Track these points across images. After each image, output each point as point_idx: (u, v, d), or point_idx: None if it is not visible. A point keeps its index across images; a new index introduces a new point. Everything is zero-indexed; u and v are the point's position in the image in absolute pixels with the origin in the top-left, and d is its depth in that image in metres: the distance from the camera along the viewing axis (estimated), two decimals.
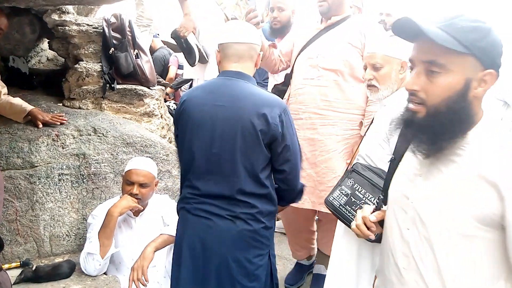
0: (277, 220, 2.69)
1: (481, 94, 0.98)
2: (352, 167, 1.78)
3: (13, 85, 2.59)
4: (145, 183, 2.08)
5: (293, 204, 1.85)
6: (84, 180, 2.38)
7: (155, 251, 1.96)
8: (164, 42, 4.67)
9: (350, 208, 1.68)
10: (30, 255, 2.25)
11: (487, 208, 0.93)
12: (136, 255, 1.99)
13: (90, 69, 2.67)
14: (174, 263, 1.63)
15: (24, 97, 2.49)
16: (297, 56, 2.38)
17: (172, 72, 4.50)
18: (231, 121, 1.51)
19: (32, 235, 2.26)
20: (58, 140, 2.35)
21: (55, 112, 2.51)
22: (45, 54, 3.38)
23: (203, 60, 3.07)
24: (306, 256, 2.68)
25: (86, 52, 2.71)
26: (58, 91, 2.76)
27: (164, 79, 3.57)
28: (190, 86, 4.06)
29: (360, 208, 1.53)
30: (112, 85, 2.66)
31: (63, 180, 2.33)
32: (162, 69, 4.47)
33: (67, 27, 2.63)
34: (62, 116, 2.43)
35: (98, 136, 2.45)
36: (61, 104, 2.69)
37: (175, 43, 3.05)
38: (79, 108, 2.67)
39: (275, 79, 3.03)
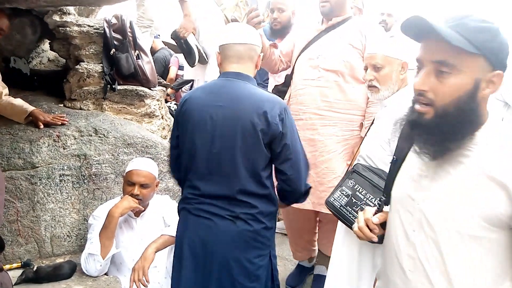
0: (278, 220, 2.69)
1: (488, 95, 0.98)
2: (352, 168, 1.77)
3: (14, 86, 2.59)
4: (146, 183, 2.08)
5: (293, 205, 1.85)
6: (85, 181, 2.38)
7: (156, 252, 1.97)
8: (165, 43, 4.67)
9: (351, 209, 1.68)
10: (31, 255, 2.26)
11: (496, 209, 0.93)
12: (137, 256, 1.99)
13: (91, 70, 2.67)
14: (175, 264, 1.63)
15: (25, 98, 2.49)
16: (298, 57, 2.38)
17: (172, 73, 4.50)
18: (231, 121, 1.51)
19: (33, 236, 2.26)
20: (59, 140, 2.35)
21: (56, 113, 2.51)
22: (46, 55, 3.39)
23: (203, 61, 3.07)
24: (306, 257, 2.67)
25: (87, 53, 2.71)
26: (59, 92, 2.77)
27: (165, 80, 3.58)
28: (191, 87, 4.06)
29: (361, 209, 1.53)
30: (113, 86, 2.67)
31: (64, 180, 2.33)
32: (163, 70, 4.48)
33: (68, 28, 2.63)
34: (63, 116, 2.44)
35: (99, 136, 2.45)
36: (62, 105, 2.70)
37: (176, 44, 3.06)
38: (80, 109, 2.67)
39: (275, 80, 3.03)
